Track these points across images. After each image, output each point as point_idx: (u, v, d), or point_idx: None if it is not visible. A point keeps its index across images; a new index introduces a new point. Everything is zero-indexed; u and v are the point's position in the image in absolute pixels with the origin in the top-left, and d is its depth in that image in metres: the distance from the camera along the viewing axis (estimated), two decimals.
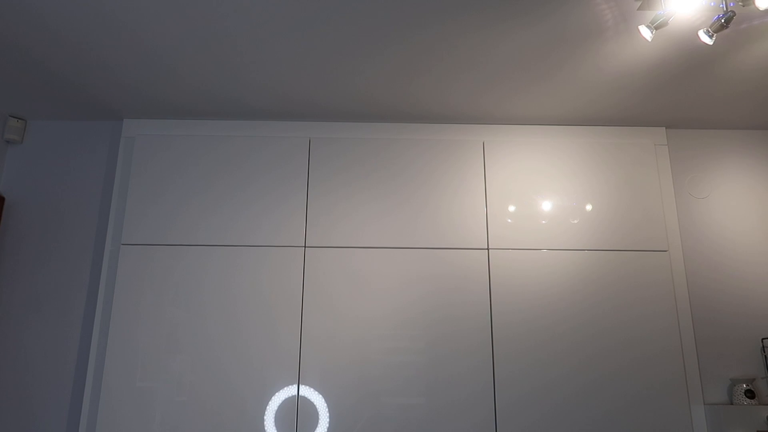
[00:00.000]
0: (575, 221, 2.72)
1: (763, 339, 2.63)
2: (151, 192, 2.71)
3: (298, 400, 2.47)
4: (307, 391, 2.48)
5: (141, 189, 2.71)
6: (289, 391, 2.48)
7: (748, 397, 2.49)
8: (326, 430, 2.44)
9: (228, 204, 2.70)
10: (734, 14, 1.83)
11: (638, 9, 2.04)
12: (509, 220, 2.71)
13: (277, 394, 2.47)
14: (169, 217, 2.67)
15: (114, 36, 2.21)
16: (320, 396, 2.48)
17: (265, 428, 2.43)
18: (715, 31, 1.88)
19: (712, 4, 1.92)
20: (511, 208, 2.73)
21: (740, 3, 1.84)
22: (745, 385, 2.52)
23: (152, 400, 2.46)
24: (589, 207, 2.74)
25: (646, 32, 1.94)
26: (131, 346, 2.51)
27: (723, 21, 1.84)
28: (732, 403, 2.52)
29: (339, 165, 2.77)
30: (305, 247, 2.65)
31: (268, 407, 2.46)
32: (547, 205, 2.74)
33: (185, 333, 2.53)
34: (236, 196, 2.71)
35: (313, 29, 2.17)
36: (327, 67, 2.41)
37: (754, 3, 1.76)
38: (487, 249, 2.67)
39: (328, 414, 2.46)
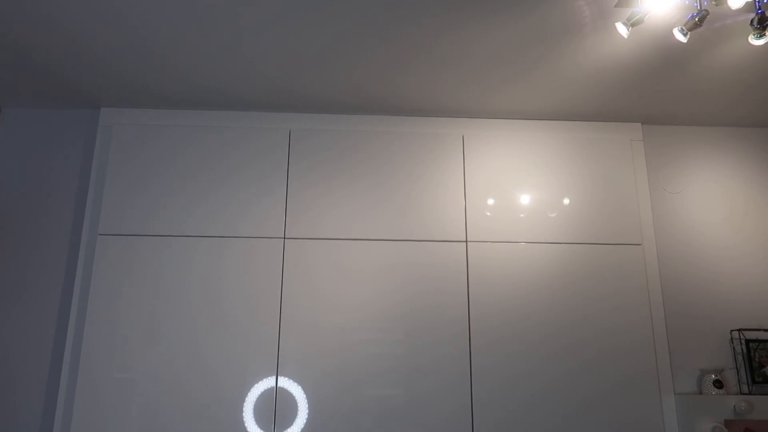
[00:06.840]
0: (553, 215, 2.76)
1: (731, 331, 2.70)
2: (128, 182, 2.68)
3: (276, 391, 2.48)
4: (285, 382, 2.49)
5: (118, 179, 2.68)
6: (268, 382, 2.49)
7: (716, 387, 2.55)
8: (305, 420, 2.46)
9: (207, 195, 2.68)
10: (708, 13, 1.86)
11: (615, 6, 2.07)
12: (488, 213, 2.74)
13: (256, 385, 2.48)
14: (146, 207, 2.65)
15: (94, 21, 2.17)
16: (299, 387, 2.49)
17: (244, 419, 2.44)
18: (690, 29, 1.92)
19: (687, 2, 1.96)
20: (490, 201, 2.76)
21: (714, 2, 1.87)
22: (713, 376, 2.58)
23: (130, 391, 2.44)
24: (566, 201, 2.78)
25: (622, 29, 1.97)
26: (109, 337, 2.49)
27: (697, 19, 1.87)
28: (701, 393, 2.59)
29: (318, 156, 2.77)
30: (284, 238, 2.65)
31: (247, 398, 2.46)
32: (525, 199, 2.77)
33: (163, 324, 2.52)
34: (216, 188, 2.70)
35: (302, 19, 2.16)
36: (316, 59, 2.40)
37: (726, 2, 1.80)
38: (466, 241, 2.70)
39: (306, 404, 2.47)
